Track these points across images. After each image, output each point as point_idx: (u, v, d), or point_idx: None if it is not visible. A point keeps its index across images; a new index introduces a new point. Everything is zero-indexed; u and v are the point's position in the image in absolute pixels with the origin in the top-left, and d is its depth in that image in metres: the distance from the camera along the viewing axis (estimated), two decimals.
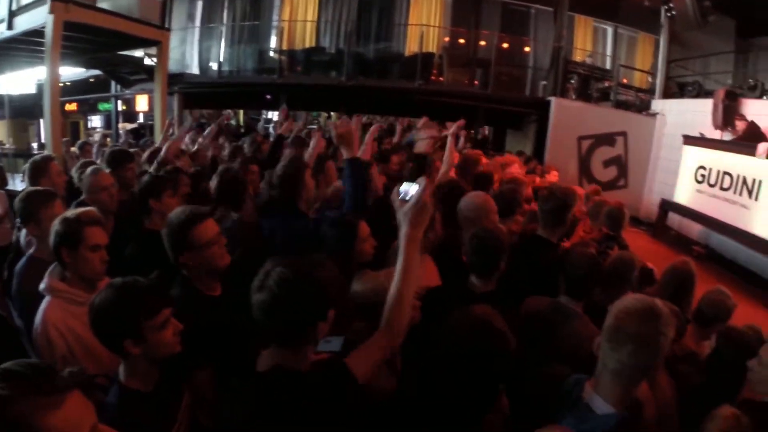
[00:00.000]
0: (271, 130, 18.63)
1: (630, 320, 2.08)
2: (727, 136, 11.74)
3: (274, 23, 17.87)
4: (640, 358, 2.07)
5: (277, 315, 2.01)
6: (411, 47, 17.23)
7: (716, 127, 11.88)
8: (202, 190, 5.35)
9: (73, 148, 10.10)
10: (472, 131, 15.52)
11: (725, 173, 10.82)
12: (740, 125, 11.19)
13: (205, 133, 8.52)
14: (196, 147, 7.86)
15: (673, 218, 13.09)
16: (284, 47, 17.20)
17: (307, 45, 17.50)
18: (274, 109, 20.66)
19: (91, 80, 19.58)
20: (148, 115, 19.56)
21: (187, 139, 8.34)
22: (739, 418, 2.31)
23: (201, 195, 5.23)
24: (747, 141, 10.52)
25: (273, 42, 17.83)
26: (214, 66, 17.29)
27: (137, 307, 2.13)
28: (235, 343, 2.50)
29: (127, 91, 18.13)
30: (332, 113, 21.26)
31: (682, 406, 3.12)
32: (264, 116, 24.76)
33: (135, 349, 2.14)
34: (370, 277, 2.93)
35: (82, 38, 11.18)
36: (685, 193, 12.16)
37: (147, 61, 14.62)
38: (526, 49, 17.81)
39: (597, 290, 3.70)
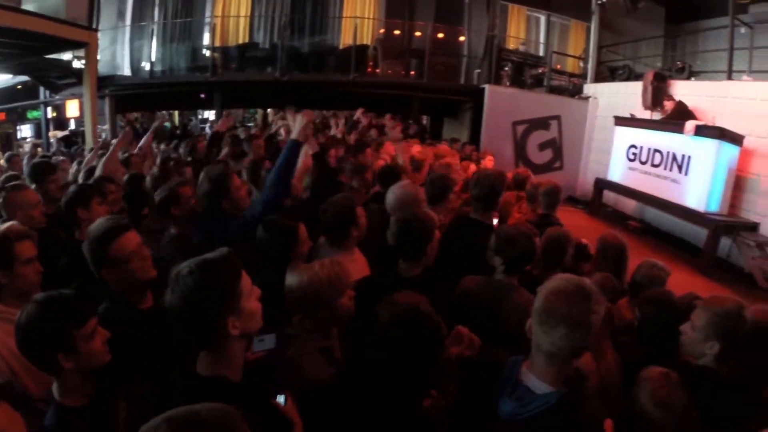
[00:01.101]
0: (207, 130, 18.38)
1: (560, 302, 2.07)
2: (657, 116, 12.12)
3: (207, 19, 17.41)
4: (574, 340, 2.06)
5: (183, 315, 1.98)
6: (346, 40, 17.16)
7: (646, 107, 12.30)
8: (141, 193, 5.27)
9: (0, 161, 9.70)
10: (409, 122, 15.48)
11: (656, 150, 11.26)
12: (669, 105, 11.56)
13: (141, 142, 8.22)
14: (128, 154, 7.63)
15: (608, 196, 13.45)
16: (217, 44, 16.85)
17: (241, 41, 17.23)
18: (209, 108, 20.33)
19: (19, 87, 18.75)
20: (80, 121, 18.47)
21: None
22: (668, 375, 2.33)
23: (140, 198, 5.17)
24: (676, 120, 10.92)
25: (206, 39, 17.41)
26: (146, 66, 16.75)
27: (65, 317, 2.08)
28: (167, 355, 2.45)
29: (56, 97, 17.53)
30: (269, 110, 21.13)
31: (625, 375, 3.15)
32: (200, 116, 24.32)
33: (68, 363, 2.08)
34: (303, 268, 2.86)
35: (6, 42, 10.81)
36: (618, 172, 12.52)
37: (76, 64, 14.18)
38: (461, 38, 17.86)
39: (535, 266, 3.82)
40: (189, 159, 7.75)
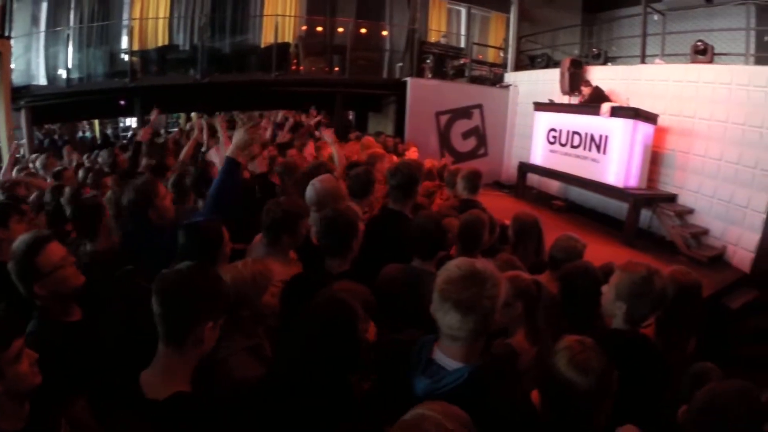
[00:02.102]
0: (130, 136, 17.91)
1: (452, 288, 2.09)
2: (575, 100, 12.47)
3: (125, 22, 16.57)
4: (468, 324, 2.07)
5: (167, 316, 2.10)
6: (267, 38, 16.85)
7: (564, 92, 12.75)
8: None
9: None
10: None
11: (574, 133, 11.59)
12: (586, 90, 11.88)
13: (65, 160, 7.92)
14: (58, 168, 7.33)
15: (532, 178, 13.75)
16: (136, 48, 16.00)
17: (160, 43, 16.57)
18: (129, 115, 19.63)
19: None
20: None
21: (38, 163, 7.86)
22: (582, 341, 2.32)
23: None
24: (593, 103, 11.28)
25: (124, 43, 16.54)
26: (63, 74, 15.70)
27: None
28: (104, 368, 2.39)
29: None
30: (192, 114, 20.64)
31: None
32: (121, 124, 23.59)
33: None
34: (227, 268, 2.84)
35: None
36: (540, 155, 12.80)
37: None
38: (383, 33, 17.91)
39: (455, 249, 3.89)
40: (108, 170, 7.55)
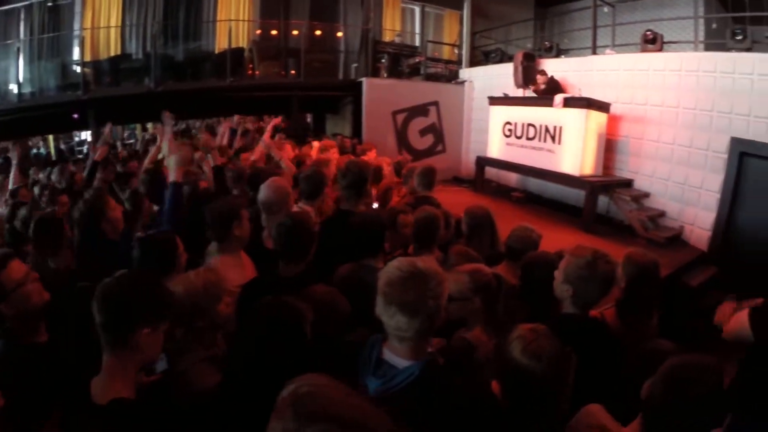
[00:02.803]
0: (86, 150, 17.54)
1: (395, 290, 2.08)
2: (530, 93, 12.64)
3: (76, 32, 16.11)
4: (415, 325, 2.07)
5: (103, 323, 2.09)
6: (221, 44, 16.61)
7: (518, 86, 12.91)
8: None
9: None
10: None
11: (529, 125, 11.70)
12: (541, 79, 12.01)
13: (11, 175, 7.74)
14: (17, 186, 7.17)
15: (491, 171, 13.83)
16: (88, 58, 15.53)
17: (113, 53, 16.16)
18: (84, 128, 19.08)
19: None
20: None
21: None
22: (535, 329, 2.36)
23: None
24: (549, 93, 11.45)
25: (76, 54, 15.99)
26: (13, 89, 15.10)
27: None
28: (72, 387, 2.28)
29: None
30: (148, 124, 20.31)
31: None
32: (76, 138, 22.94)
33: None
34: (179, 278, 2.80)
35: None
36: (496, 148, 12.88)
37: None
38: (338, 34, 17.84)
39: (412, 246, 4.00)
40: (63, 187, 7.41)
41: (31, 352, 2.59)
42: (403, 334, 2.10)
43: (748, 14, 9.88)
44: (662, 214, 10.06)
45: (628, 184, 10.70)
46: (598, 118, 10.67)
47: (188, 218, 4.45)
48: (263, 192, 4.32)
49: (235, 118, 10.46)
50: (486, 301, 3.13)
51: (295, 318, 2.30)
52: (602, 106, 10.71)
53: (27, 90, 15.12)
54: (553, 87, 11.70)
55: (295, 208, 4.41)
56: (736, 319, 2.95)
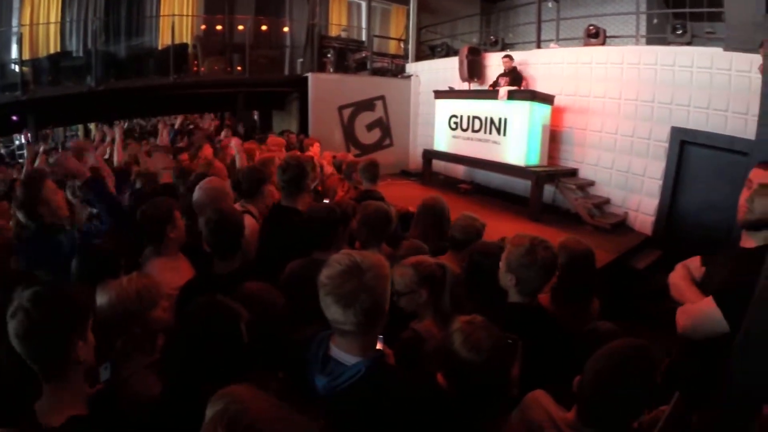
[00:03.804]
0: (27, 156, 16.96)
1: (331, 282, 2.06)
2: (475, 86, 12.74)
3: (14, 29, 15.37)
4: (350, 317, 2.04)
5: (33, 335, 1.94)
6: (164, 40, 16.29)
7: (463, 79, 13.02)
8: None
9: None
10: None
11: (475, 117, 11.81)
12: (507, 64, 12.00)
13: None
14: None
15: (438, 164, 13.92)
16: (27, 56, 14.80)
17: (53, 50, 15.59)
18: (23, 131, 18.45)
19: None
20: None
21: None
22: (472, 321, 2.38)
23: None
24: (512, 80, 11.65)
25: (14, 52, 15.26)
26: None
27: None
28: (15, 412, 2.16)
29: None
30: (91, 125, 19.68)
31: None
32: (17, 142, 21.90)
33: None
34: (112, 285, 2.71)
35: None
36: (443, 141, 12.96)
37: None
38: (284, 29, 17.71)
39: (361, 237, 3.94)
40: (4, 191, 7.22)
41: None
42: (342, 327, 2.08)
43: (688, 10, 10.13)
44: (607, 201, 10.31)
45: (573, 173, 10.91)
46: (542, 110, 10.83)
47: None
48: (196, 194, 4.31)
49: (179, 118, 10.30)
50: (432, 292, 3.13)
51: (229, 317, 2.27)
52: (546, 98, 10.88)
53: None
54: (515, 76, 11.77)
55: (237, 207, 4.35)
56: (696, 311, 2.89)
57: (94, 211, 4.89)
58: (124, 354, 2.59)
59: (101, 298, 2.65)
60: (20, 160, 16.82)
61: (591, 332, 2.98)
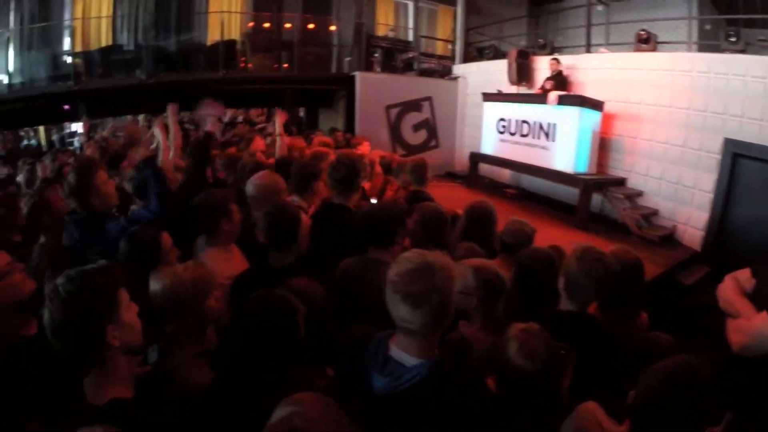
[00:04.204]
0: (76, 143, 17.31)
1: (401, 280, 2.04)
2: (523, 90, 12.59)
3: (67, 23, 15.75)
4: (418, 317, 2.02)
5: (63, 328, 1.95)
6: (213, 36, 16.43)
7: (512, 83, 12.94)
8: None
9: None
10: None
11: (523, 122, 11.73)
12: (553, 66, 11.96)
13: None
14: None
15: (484, 167, 13.87)
16: (79, 49, 15.27)
17: (104, 44, 15.84)
18: (75, 120, 18.87)
19: None
20: None
21: None
22: (527, 330, 2.38)
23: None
24: (558, 84, 11.51)
25: (67, 44, 15.70)
26: (3, 79, 14.80)
27: None
28: (63, 385, 2.21)
29: None
30: (140, 116, 20.00)
31: None
32: (67, 129, 22.65)
33: None
34: (167, 272, 2.70)
35: None
36: (490, 144, 12.93)
37: None
38: (331, 28, 17.71)
39: (410, 241, 3.80)
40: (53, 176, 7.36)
41: (18, 346, 2.49)
42: (408, 325, 2.05)
43: (741, 16, 9.91)
44: (655, 212, 10.12)
45: (621, 182, 10.74)
46: (592, 116, 10.70)
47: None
48: (249, 187, 4.32)
49: (229, 112, 10.41)
50: (486, 298, 3.09)
51: (288, 310, 2.27)
52: (596, 104, 10.73)
53: (17, 81, 14.85)
54: (560, 80, 11.69)
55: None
56: (751, 327, 2.79)
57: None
58: (175, 341, 2.60)
59: (155, 285, 2.65)
60: (70, 147, 17.22)
61: (647, 343, 2.92)
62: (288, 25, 17.14)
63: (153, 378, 2.36)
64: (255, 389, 2.13)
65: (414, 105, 15.16)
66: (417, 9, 18.11)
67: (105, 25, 16.08)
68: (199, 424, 2.15)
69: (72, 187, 3.86)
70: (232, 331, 2.35)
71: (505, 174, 13.55)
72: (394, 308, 2.05)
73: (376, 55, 15.94)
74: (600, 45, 12.67)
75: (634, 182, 10.62)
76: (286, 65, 16.32)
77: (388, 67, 15.95)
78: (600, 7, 13.14)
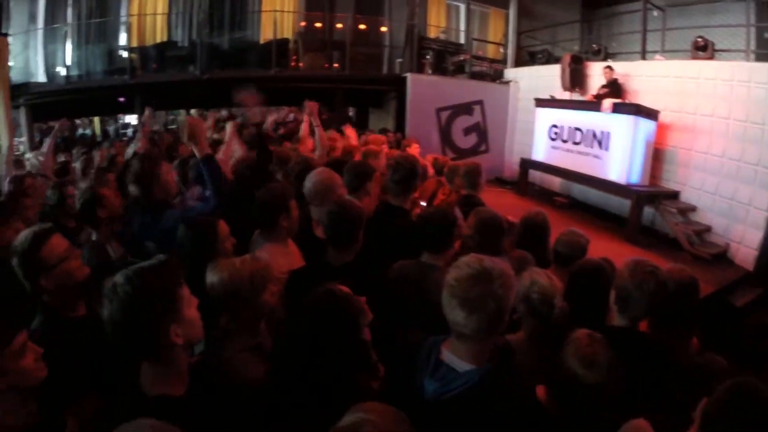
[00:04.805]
0: (129, 134, 17.66)
1: (459, 285, 2.05)
2: (576, 96, 12.47)
3: (123, 19, 16.32)
4: (473, 323, 2.03)
5: (123, 326, 1.93)
6: (266, 34, 16.65)
7: (565, 88, 12.79)
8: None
9: None
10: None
11: (576, 129, 11.62)
12: (608, 75, 11.77)
13: (43, 148, 7.83)
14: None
15: (534, 174, 13.80)
16: (135, 44, 15.85)
17: (159, 40, 16.35)
18: (129, 112, 19.29)
19: None
20: None
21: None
22: (591, 335, 2.37)
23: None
24: (612, 92, 11.31)
25: (123, 39, 16.32)
26: (61, 71, 15.58)
27: None
28: (110, 363, 2.29)
29: None
30: (192, 110, 20.36)
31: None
32: (121, 121, 23.24)
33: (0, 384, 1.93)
34: (225, 265, 2.73)
35: None
36: (541, 151, 12.83)
37: None
38: (382, 28, 17.78)
39: (472, 244, 3.78)
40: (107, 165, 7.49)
41: (70, 326, 2.60)
42: (461, 330, 2.06)
43: None
44: (708, 229, 9.86)
45: (674, 195, 10.50)
46: (647, 125, 10.50)
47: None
48: (308, 182, 4.30)
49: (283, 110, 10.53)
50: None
51: (352, 310, 2.29)
52: (651, 114, 10.54)
53: (74, 73, 15.45)
54: (615, 88, 11.50)
55: None
56: None
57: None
58: (227, 334, 2.63)
59: (212, 277, 2.68)
60: (124, 138, 17.66)
61: (702, 365, 2.89)
62: (339, 25, 17.17)
63: (206, 370, 2.37)
64: (312, 387, 2.16)
65: (465, 108, 15.11)
66: (469, 11, 18.08)
67: (160, 21, 16.54)
68: (251, 419, 2.19)
69: (137, 174, 3.97)
70: (290, 327, 2.41)
71: (556, 182, 13.42)
72: (450, 312, 2.06)
73: (428, 56, 15.91)
74: (655, 51, 12.38)
75: (688, 196, 10.36)
76: (336, 65, 16.42)
77: (439, 69, 15.92)
78: (655, 13, 12.88)
